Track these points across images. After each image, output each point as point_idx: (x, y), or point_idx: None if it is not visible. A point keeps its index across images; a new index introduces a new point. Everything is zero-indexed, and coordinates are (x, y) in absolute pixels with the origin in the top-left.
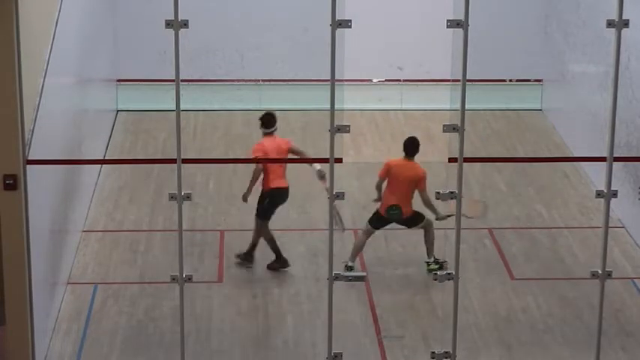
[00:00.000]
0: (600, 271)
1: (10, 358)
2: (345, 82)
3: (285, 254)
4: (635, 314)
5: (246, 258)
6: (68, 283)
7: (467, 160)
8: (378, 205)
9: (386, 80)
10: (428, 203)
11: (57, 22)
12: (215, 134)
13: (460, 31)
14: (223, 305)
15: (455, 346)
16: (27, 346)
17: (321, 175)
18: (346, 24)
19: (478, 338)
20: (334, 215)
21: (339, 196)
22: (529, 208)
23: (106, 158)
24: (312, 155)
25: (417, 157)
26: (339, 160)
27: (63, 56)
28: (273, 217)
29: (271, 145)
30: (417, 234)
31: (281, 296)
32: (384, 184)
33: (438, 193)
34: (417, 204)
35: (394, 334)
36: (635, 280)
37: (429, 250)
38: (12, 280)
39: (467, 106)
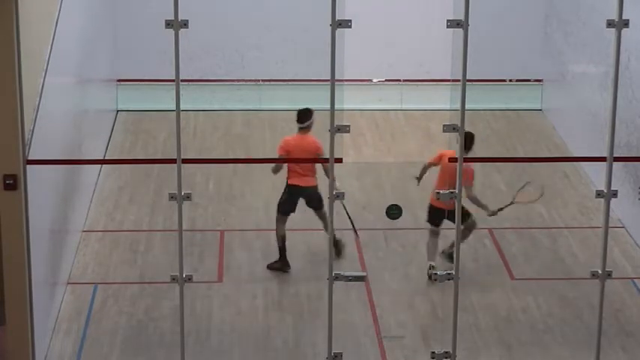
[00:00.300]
0: (600, 271)
1: (10, 358)
2: (345, 82)
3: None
4: (635, 314)
5: (282, 265)
6: (68, 283)
7: (467, 160)
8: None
9: (386, 80)
10: (474, 200)
11: (57, 22)
12: (215, 134)
13: (460, 31)
14: (223, 305)
15: (455, 346)
16: (27, 346)
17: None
18: (346, 24)
19: (478, 338)
20: (348, 219)
21: (339, 196)
22: (529, 208)
23: (106, 158)
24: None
25: (417, 157)
26: (339, 160)
27: (63, 56)
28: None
29: (298, 142)
30: (417, 234)
31: (281, 296)
32: (435, 175)
33: (438, 193)
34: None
35: (394, 334)
36: (635, 280)
37: (451, 247)
38: (12, 280)
39: (467, 106)
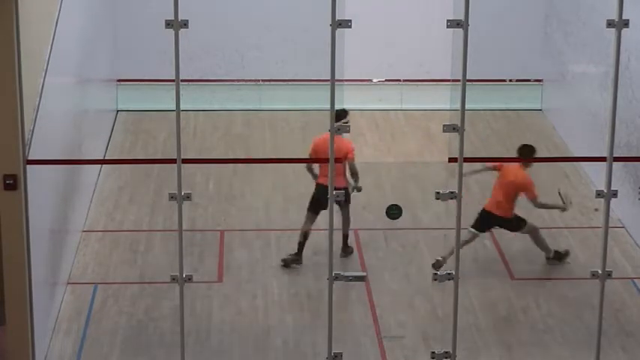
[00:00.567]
0: (600, 271)
1: (10, 358)
2: (345, 82)
3: (285, 254)
4: (635, 314)
5: (295, 259)
6: (68, 283)
7: (467, 160)
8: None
9: (386, 80)
10: (543, 205)
11: (57, 22)
12: (215, 134)
13: (460, 31)
14: (223, 305)
15: (455, 346)
16: (27, 346)
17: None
18: (346, 24)
19: (478, 338)
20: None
21: (339, 196)
22: (528, 207)
23: (106, 158)
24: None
25: (416, 158)
26: (339, 160)
27: (63, 56)
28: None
29: (325, 143)
30: (418, 234)
31: (281, 296)
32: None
33: (438, 193)
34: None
35: (394, 334)
36: (635, 280)
37: (546, 250)
38: (12, 280)
39: (467, 106)
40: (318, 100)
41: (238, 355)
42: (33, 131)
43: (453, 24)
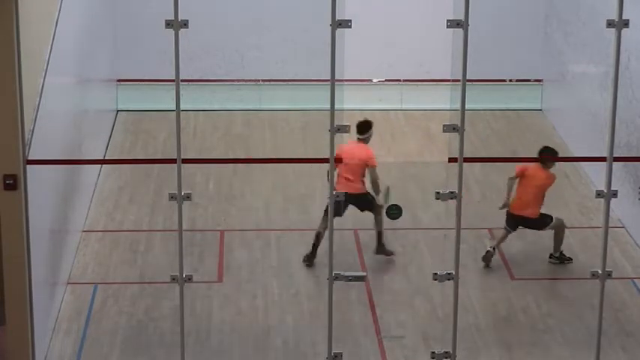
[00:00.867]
0: (600, 271)
1: (10, 358)
2: (345, 82)
3: (285, 254)
4: (635, 314)
5: (309, 258)
6: (68, 283)
7: (467, 160)
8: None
9: (386, 80)
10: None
11: (57, 22)
12: (215, 134)
13: (460, 31)
14: (223, 305)
15: (455, 346)
16: (27, 346)
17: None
18: (346, 24)
19: (478, 338)
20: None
21: (339, 196)
22: None
23: (106, 158)
24: (312, 155)
25: (416, 158)
26: (340, 160)
27: (63, 56)
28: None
29: (350, 149)
30: (418, 234)
31: (281, 296)
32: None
33: (438, 193)
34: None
35: (394, 334)
36: (635, 280)
37: (556, 247)
38: (12, 280)
39: (467, 106)
40: (318, 100)
41: (238, 355)
42: (33, 131)
43: (453, 24)
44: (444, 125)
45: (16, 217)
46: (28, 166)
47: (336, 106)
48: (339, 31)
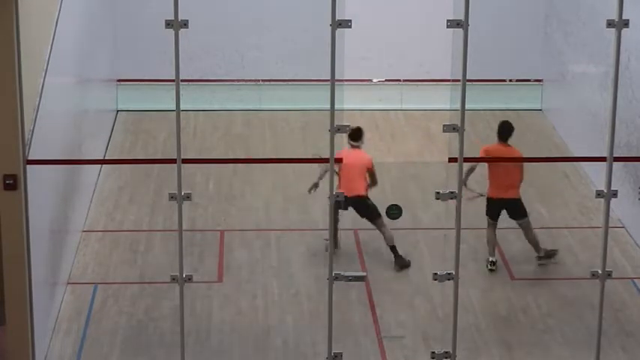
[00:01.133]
0: (600, 271)
1: (10, 358)
2: (345, 82)
3: (285, 254)
4: (635, 314)
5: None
6: (68, 283)
7: (467, 160)
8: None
9: (386, 80)
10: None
11: (57, 22)
12: (215, 134)
13: (460, 31)
14: (223, 305)
15: (455, 346)
16: (27, 346)
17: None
18: (346, 24)
19: (478, 338)
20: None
21: (339, 196)
22: (529, 208)
23: (106, 158)
24: (312, 155)
25: (416, 158)
26: (340, 160)
27: (63, 56)
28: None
29: (351, 154)
30: (418, 234)
31: (281, 296)
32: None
33: (438, 193)
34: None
35: (394, 334)
36: (635, 280)
37: (536, 247)
38: (12, 280)
39: (467, 106)
40: (318, 100)
41: (238, 355)
42: (33, 131)
43: (453, 24)
44: (444, 125)
45: (16, 217)
46: (28, 166)
47: (336, 106)
48: (339, 31)
